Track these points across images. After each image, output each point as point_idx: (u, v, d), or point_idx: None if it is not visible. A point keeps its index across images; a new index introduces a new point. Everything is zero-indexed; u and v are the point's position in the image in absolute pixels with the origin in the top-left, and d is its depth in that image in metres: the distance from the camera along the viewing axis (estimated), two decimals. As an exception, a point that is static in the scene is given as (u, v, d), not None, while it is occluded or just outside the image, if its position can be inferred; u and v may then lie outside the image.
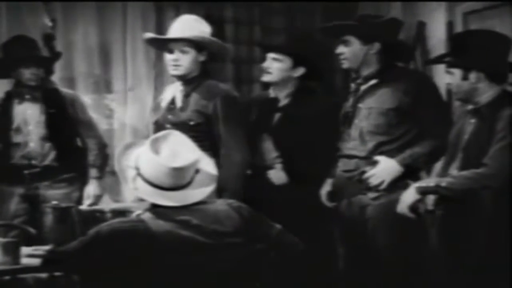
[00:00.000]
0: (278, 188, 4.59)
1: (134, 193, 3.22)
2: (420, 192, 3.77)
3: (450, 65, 3.77)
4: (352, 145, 4.19)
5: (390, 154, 4.10)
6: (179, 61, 4.36)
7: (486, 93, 3.70)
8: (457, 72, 3.73)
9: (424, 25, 5.41)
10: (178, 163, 3.11)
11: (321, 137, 4.46)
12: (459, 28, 5.12)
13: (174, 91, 4.47)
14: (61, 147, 4.90)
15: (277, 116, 4.67)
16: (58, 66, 5.95)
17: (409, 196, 3.80)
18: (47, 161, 4.89)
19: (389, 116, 4.11)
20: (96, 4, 6.06)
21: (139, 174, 3.19)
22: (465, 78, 3.71)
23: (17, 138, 4.88)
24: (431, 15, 5.40)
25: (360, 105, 4.20)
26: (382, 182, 4.08)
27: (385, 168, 4.08)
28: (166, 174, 3.12)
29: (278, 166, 4.61)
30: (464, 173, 3.67)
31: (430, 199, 3.82)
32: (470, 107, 3.78)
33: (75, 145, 5.01)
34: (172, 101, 4.45)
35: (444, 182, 3.69)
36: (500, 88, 3.72)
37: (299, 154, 4.55)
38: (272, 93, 4.73)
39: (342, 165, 4.24)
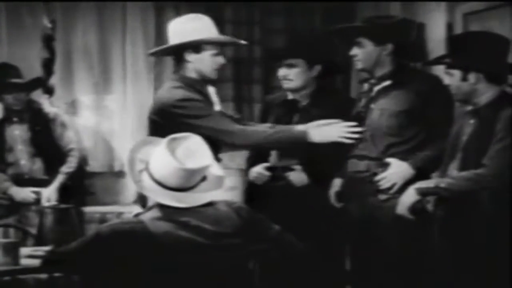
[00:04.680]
0: (298, 189, 4.56)
1: (137, 187, 3.22)
2: (420, 193, 3.78)
3: (450, 66, 3.76)
4: (363, 146, 4.18)
5: (400, 155, 4.10)
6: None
7: (485, 94, 3.70)
8: (457, 73, 3.72)
9: (423, 26, 5.41)
10: (189, 165, 3.12)
11: None
12: (459, 29, 5.11)
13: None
14: (49, 162, 5.33)
15: (296, 117, 4.63)
16: (58, 67, 5.98)
17: (408, 197, 3.81)
18: (37, 175, 5.32)
19: (401, 117, 4.10)
20: (96, 4, 6.07)
21: (146, 169, 3.19)
22: (464, 79, 3.71)
23: (10, 158, 5.30)
24: (430, 15, 5.39)
25: (372, 105, 4.19)
26: (394, 185, 4.08)
27: (397, 171, 4.08)
28: (174, 173, 3.12)
29: (298, 167, 4.58)
30: (464, 173, 3.67)
31: (430, 200, 3.82)
32: (469, 108, 3.78)
33: (62, 158, 5.39)
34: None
35: (443, 183, 3.70)
36: (499, 89, 3.72)
37: (321, 155, 4.48)
38: (290, 95, 4.70)
39: (353, 166, 4.23)
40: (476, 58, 3.69)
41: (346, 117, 4.34)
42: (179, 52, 3.98)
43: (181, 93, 3.88)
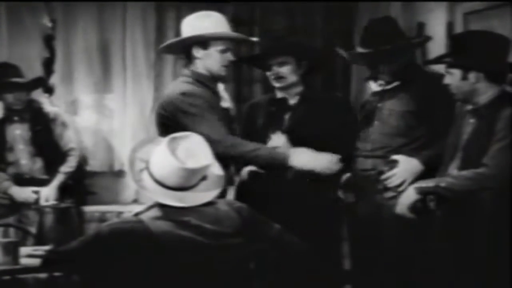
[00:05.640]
0: (294, 184, 4.55)
1: (137, 186, 3.22)
2: (420, 193, 3.77)
3: (450, 65, 3.77)
4: (370, 146, 4.18)
5: (406, 154, 4.09)
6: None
7: (486, 93, 3.70)
8: (457, 73, 3.73)
9: (424, 25, 5.42)
10: (189, 164, 3.12)
11: (334, 133, 4.41)
12: (459, 28, 5.12)
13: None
14: (50, 161, 5.32)
15: (287, 116, 4.62)
16: (58, 66, 5.99)
17: (408, 196, 3.80)
18: (37, 175, 5.30)
19: (409, 118, 4.10)
20: (96, 4, 6.08)
21: (146, 169, 3.19)
22: (464, 78, 3.71)
23: (10, 157, 5.28)
24: (431, 15, 5.40)
25: (380, 105, 4.19)
26: (403, 182, 4.07)
27: (407, 168, 4.06)
28: (175, 173, 3.12)
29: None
30: (464, 173, 3.67)
31: (433, 199, 3.82)
32: (469, 107, 3.78)
33: (62, 158, 5.37)
34: None
35: (443, 182, 3.69)
36: (499, 89, 3.72)
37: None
38: (279, 94, 4.70)
39: (359, 164, 4.22)
40: (476, 58, 3.69)
41: (336, 114, 4.35)
42: (188, 49, 4.01)
43: (185, 87, 3.91)
